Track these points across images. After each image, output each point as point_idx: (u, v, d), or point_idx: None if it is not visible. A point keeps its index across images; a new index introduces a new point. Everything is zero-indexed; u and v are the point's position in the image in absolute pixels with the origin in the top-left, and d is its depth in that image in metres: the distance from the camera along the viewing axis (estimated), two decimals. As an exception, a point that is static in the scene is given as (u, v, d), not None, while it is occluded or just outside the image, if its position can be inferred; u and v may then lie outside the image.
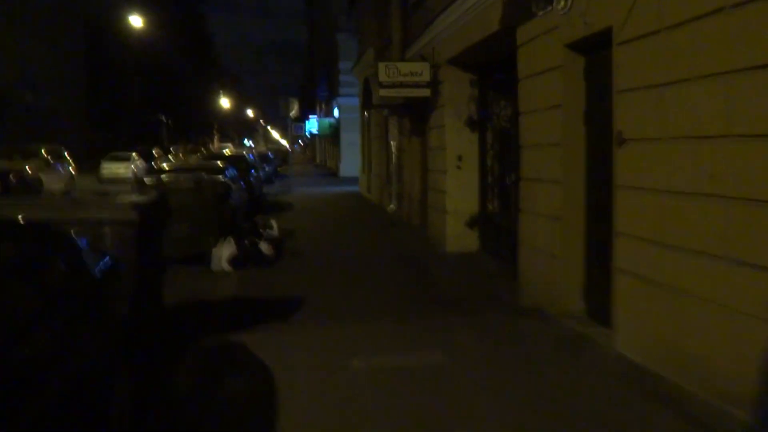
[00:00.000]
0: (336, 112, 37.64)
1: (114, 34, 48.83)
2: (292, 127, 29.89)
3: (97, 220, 5.12)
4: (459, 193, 10.65)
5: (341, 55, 34.06)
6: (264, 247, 10.20)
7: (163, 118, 57.71)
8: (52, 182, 21.91)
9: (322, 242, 12.32)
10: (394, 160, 14.15)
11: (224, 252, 9.83)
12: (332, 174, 37.75)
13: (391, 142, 14.02)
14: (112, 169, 31.27)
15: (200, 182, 9.86)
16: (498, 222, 10.05)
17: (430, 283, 8.78)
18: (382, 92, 10.64)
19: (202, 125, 72.91)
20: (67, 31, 46.90)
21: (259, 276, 9.40)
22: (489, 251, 10.47)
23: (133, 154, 34.52)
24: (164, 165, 15.41)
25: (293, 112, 25.24)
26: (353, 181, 28.68)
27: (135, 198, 5.76)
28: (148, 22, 48.89)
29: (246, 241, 10.17)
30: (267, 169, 30.75)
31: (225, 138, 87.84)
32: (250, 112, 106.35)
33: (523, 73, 7.03)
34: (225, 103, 72.94)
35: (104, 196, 5.61)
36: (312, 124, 47.57)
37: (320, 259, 10.61)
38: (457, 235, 10.69)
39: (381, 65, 10.67)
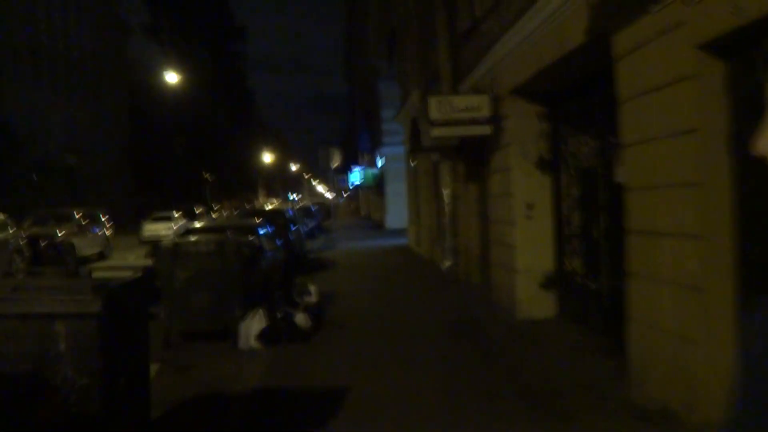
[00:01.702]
0: (380, 162, 36.36)
1: (156, 95, 49.05)
2: (335, 179, 28.56)
3: (42, 314, 3.56)
4: (530, 247, 8.89)
5: (383, 103, 32.93)
6: (300, 318, 8.56)
7: (207, 176, 57.49)
8: (85, 247, 20.93)
9: (368, 308, 10.62)
10: (447, 210, 12.48)
11: (253, 327, 8.23)
12: (378, 226, 36.26)
13: (444, 191, 12.40)
14: (153, 230, 30.42)
15: (223, 244, 8.34)
16: (582, 283, 8.23)
17: (504, 365, 6.96)
18: (435, 132, 9.06)
19: (246, 181, 72.81)
20: (111, 94, 47.39)
21: (292, 356, 7.74)
22: (570, 318, 8.63)
23: (175, 213, 33.80)
24: (196, 224, 14.08)
25: (335, 163, 23.87)
26: (400, 233, 27.07)
27: (110, 275, 4.17)
28: (189, 80, 49.05)
29: (278, 313, 8.55)
30: (310, 223, 29.47)
31: (270, 193, 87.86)
32: (293, 167, 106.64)
33: (626, 93, 5.34)
34: (267, 158, 72.80)
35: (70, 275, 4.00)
36: (355, 176, 46.44)
37: (366, 331, 8.91)
38: (530, 298, 8.89)
39: (432, 100, 9.10)
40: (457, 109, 9.03)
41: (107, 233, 23.45)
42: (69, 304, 3.54)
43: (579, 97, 7.99)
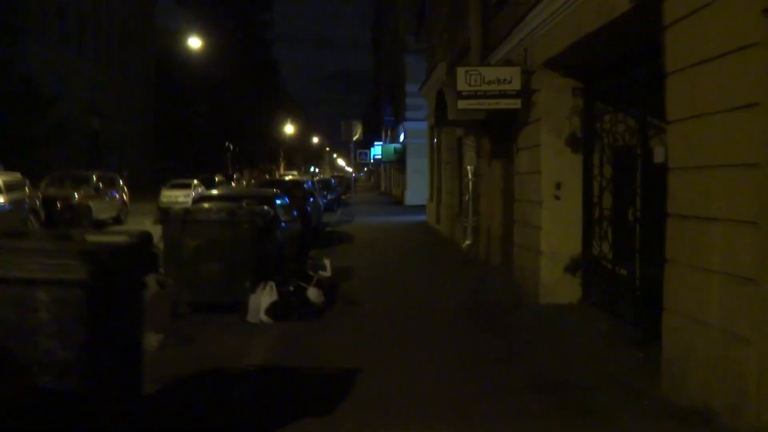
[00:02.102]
0: (402, 137, 35.85)
1: (181, 63, 48.75)
2: (356, 153, 28.13)
3: (21, 280, 3.21)
4: (556, 229, 8.42)
5: (408, 77, 32.32)
6: (312, 294, 8.21)
7: (228, 145, 57.26)
8: (101, 210, 20.76)
9: (383, 285, 10.25)
10: (470, 187, 12.01)
11: (263, 300, 7.89)
12: (397, 202, 35.84)
13: (468, 167, 11.92)
14: (172, 196, 30.29)
15: (234, 213, 7.97)
16: (611, 269, 7.77)
17: (527, 354, 6.54)
18: (461, 104, 8.56)
19: (268, 152, 72.53)
20: (138, 59, 47.19)
21: (302, 332, 7.40)
22: (596, 304, 8.18)
23: (195, 181, 33.67)
24: (213, 191, 13.77)
25: (357, 136, 23.42)
26: (419, 210, 26.62)
27: (104, 239, 3.80)
28: (214, 48, 48.67)
29: (291, 287, 8.21)
30: (329, 196, 29.14)
31: (291, 165, 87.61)
32: (315, 140, 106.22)
33: (675, 64, 4.84)
34: (290, 129, 72.43)
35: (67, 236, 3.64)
36: (376, 150, 45.95)
37: (379, 310, 8.53)
38: (554, 282, 8.44)
39: (460, 70, 8.59)
40: (486, 81, 8.52)
41: (124, 198, 23.25)
42: (52, 270, 3.18)
43: (617, 71, 7.46)
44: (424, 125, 27.52)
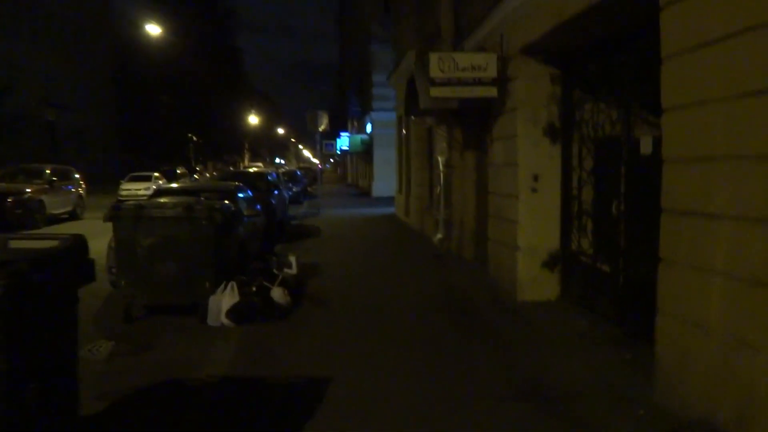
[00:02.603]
0: (369, 128, 35.34)
1: (141, 51, 47.42)
2: (321, 144, 27.56)
3: None
4: (534, 223, 8.05)
5: (375, 67, 31.83)
6: (277, 294, 7.70)
7: (191, 136, 56.04)
8: (55, 205, 19.88)
9: (353, 283, 9.77)
10: (441, 179, 11.59)
11: (223, 303, 7.36)
12: (365, 194, 35.37)
13: (438, 158, 11.49)
14: (132, 189, 29.40)
15: (192, 208, 7.41)
16: (591, 265, 7.42)
17: (506, 355, 6.14)
18: (434, 91, 8.11)
19: (232, 144, 71.28)
20: (95, 48, 45.70)
21: (267, 336, 6.90)
22: (575, 301, 7.84)
23: (155, 173, 32.78)
24: (173, 185, 13.12)
25: (323, 127, 22.84)
26: (387, 201, 26.23)
27: (30, 245, 3.26)
28: (175, 36, 47.47)
29: (254, 287, 7.69)
30: (294, 189, 28.54)
31: (256, 157, 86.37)
32: (280, 131, 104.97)
33: (674, 47, 4.44)
34: (254, 120, 71.26)
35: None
36: (343, 141, 45.36)
37: (349, 310, 8.06)
38: (531, 278, 8.08)
39: (433, 56, 8.13)
40: (460, 68, 8.09)
41: (80, 192, 22.33)
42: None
43: (599, 56, 7.09)
44: (391, 116, 27.06)
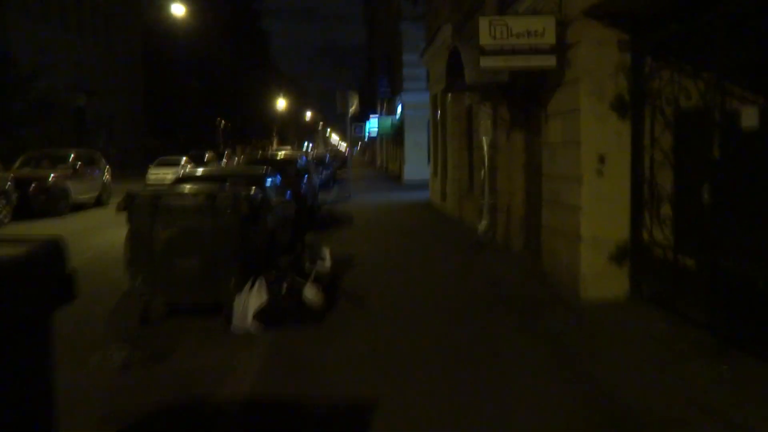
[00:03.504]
0: (399, 110, 34.32)
1: (169, 36, 46.88)
2: (351, 127, 26.67)
3: None
4: (600, 210, 7.08)
5: (405, 47, 30.74)
6: (310, 292, 6.85)
7: (220, 121, 55.60)
8: (80, 191, 19.33)
9: (392, 277, 8.90)
10: (486, 162, 10.62)
11: (250, 303, 6.55)
12: (395, 178, 34.47)
13: (483, 138, 10.52)
14: (159, 174, 28.88)
15: (215, 197, 6.59)
16: (671, 259, 6.44)
17: (580, 369, 5.21)
18: (485, 62, 7.14)
19: (260, 128, 70.81)
20: (124, 34, 45.27)
21: (300, 342, 6.07)
22: (647, 300, 6.88)
23: (183, 158, 32.25)
24: (197, 170, 12.34)
25: (353, 108, 21.92)
26: (419, 186, 25.28)
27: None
28: (203, 21, 46.91)
29: (285, 285, 6.85)
30: (324, 173, 27.76)
31: (284, 141, 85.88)
32: (308, 114, 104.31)
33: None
34: (282, 104, 70.59)
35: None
36: (372, 124, 44.40)
37: (390, 309, 7.18)
38: (597, 273, 7.12)
39: (483, 21, 7.15)
40: (514, 34, 7.11)
41: (107, 177, 21.77)
42: None
43: (681, 17, 6.06)
44: (423, 96, 26.04)
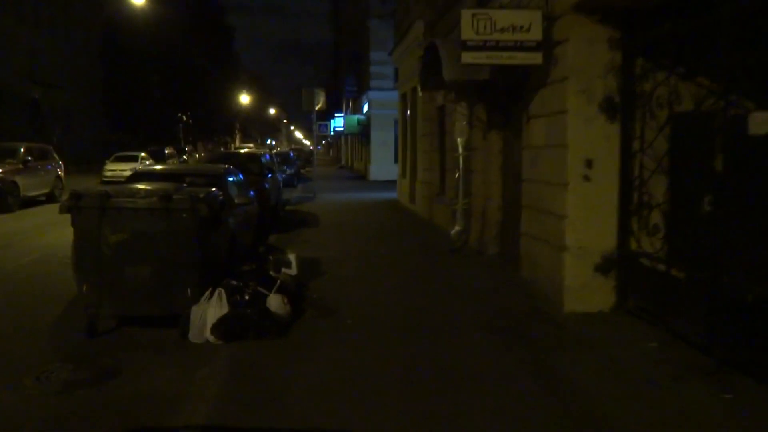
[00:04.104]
0: (365, 108, 33.81)
1: (131, 28, 45.50)
2: (316, 124, 26.06)
3: None
4: (586, 218, 6.67)
5: (373, 44, 30.25)
6: (275, 302, 6.29)
7: (181, 116, 54.32)
8: (31, 187, 18.43)
9: (362, 284, 8.38)
10: (460, 164, 10.17)
11: (208, 315, 5.97)
12: (360, 177, 33.95)
13: (458, 139, 10.06)
14: (116, 171, 27.84)
15: (170, 198, 5.98)
16: (662, 270, 6.05)
17: (568, 394, 4.76)
18: (467, 57, 6.66)
19: (223, 124, 69.52)
20: (83, 25, 43.76)
21: (263, 359, 5.51)
22: (633, 313, 6.50)
23: (142, 153, 31.24)
24: (157, 167, 11.64)
25: (319, 105, 21.33)
26: (386, 186, 24.82)
27: None
28: (165, 12, 45.66)
29: (246, 294, 6.28)
30: (288, 171, 27.08)
31: (247, 138, 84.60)
32: (272, 111, 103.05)
33: None
34: (245, 99, 69.38)
35: None
36: (338, 122, 43.81)
37: (361, 320, 6.64)
38: (581, 285, 6.71)
39: (465, 14, 6.65)
40: (498, 29, 6.65)
41: (59, 172, 20.78)
42: None
43: (678, 16, 5.67)
44: (390, 95, 25.61)
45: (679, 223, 5.86)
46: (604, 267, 6.69)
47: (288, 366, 5.35)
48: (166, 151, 36.11)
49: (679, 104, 5.84)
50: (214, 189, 7.18)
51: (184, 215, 6.02)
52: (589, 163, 6.60)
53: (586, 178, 6.62)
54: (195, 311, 5.99)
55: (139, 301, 6.12)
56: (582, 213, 6.66)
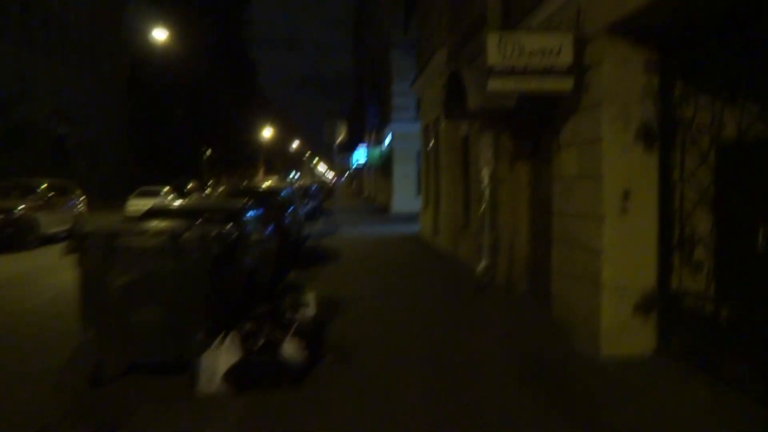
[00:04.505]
0: (388, 140, 33.58)
1: (156, 63, 46.11)
2: (338, 158, 25.84)
3: None
4: (624, 254, 6.19)
5: (395, 75, 30.11)
6: (290, 348, 5.87)
7: (204, 149, 54.61)
8: (51, 224, 18.24)
9: (383, 326, 7.92)
10: (486, 196, 9.74)
11: (220, 362, 5.57)
12: (383, 210, 33.55)
13: (484, 169, 9.65)
14: (140, 206, 27.76)
15: (178, 236, 5.64)
16: (709, 311, 5.55)
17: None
18: (494, 84, 6.29)
19: (246, 158, 69.83)
20: (108, 61, 44.51)
21: (279, 413, 5.09)
22: (678, 357, 5.98)
23: (165, 188, 31.27)
24: (174, 204, 11.37)
25: (341, 137, 21.09)
26: (408, 219, 24.40)
27: None
28: (190, 47, 46.22)
29: (260, 339, 5.88)
30: (310, 204, 26.81)
31: (270, 171, 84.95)
32: (295, 144, 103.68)
33: None
34: (268, 133, 69.71)
35: None
36: (360, 154, 43.66)
37: (385, 369, 6.17)
38: (620, 326, 6.21)
39: (492, 38, 6.30)
40: (527, 52, 6.28)
41: (81, 208, 20.69)
42: None
43: (721, 32, 5.26)
44: (412, 126, 25.33)
45: (729, 260, 5.37)
46: (644, 306, 6.20)
47: (306, 420, 4.92)
48: (189, 186, 36.16)
49: (724, 131, 5.40)
50: (229, 225, 6.83)
51: (195, 255, 5.66)
52: (626, 195, 6.15)
53: (623, 210, 6.16)
54: (206, 358, 5.60)
55: (146, 346, 5.75)
56: (619, 248, 6.18)
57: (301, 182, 51.61)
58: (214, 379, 5.53)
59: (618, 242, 6.19)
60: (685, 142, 5.94)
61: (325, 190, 42.84)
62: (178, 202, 11.48)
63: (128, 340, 5.75)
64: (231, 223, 7.51)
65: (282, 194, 15.43)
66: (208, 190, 40.06)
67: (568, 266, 7.08)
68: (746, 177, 5.09)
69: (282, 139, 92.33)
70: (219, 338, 5.70)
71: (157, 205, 9.30)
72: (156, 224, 6.46)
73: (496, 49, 6.23)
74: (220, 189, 41.25)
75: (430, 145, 17.02)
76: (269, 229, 10.29)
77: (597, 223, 6.29)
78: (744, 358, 5.11)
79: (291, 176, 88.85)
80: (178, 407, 5.24)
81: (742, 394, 5.08)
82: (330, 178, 65.60)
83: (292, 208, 15.11)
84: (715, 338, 5.50)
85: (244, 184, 40.35)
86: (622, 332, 6.21)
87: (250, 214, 9.42)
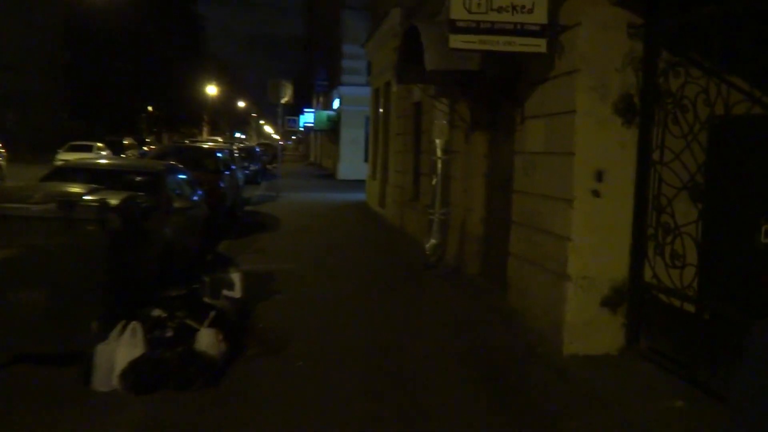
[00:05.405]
0: (336, 104, 32.45)
1: (95, 12, 43.50)
2: (283, 119, 24.67)
3: None
4: (593, 242, 5.49)
5: (346, 37, 28.89)
6: (205, 340, 4.97)
7: (146, 106, 52.28)
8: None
9: (321, 308, 7.08)
10: (439, 168, 8.94)
11: (119, 356, 4.63)
12: (329, 175, 32.57)
13: (437, 141, 8.83)
14: (69, 160, 26.08)
15: (71, 206, 4.64)
16: (694, 310, 4.90)
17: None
18: (455, 42, 5.41)
19: (190, 115, 67.34)
20: (46, 8, 41.55)
21: (186, 421, 4.21)
22: (646, 356, 5.35)
23: (98, 143, 29.62)
24: (86, 162, 10.15)
25: (286, 98, 19.96)
26: (354, 186, 23.52)
27: None
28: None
29: (170, 330, 4.96)
30: (252, 167, 25.63)
31: (215, 130, 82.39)
32: (241, 104, 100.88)
33: None
34: (213, 90, 67.27)
35: None
36: (307, 118, 42.36)
37: (316, 363, 5.33)
38: (586, 321, 5.53)
39: (456, -12, 5.43)
40: (495, 8, 5.42)
41: (1, 161, 19.14)
42: None
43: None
44: (362, 91, 24.33)
45: (718, 254, 4.70)
46: (612, 300, 5.52)
47: (217, 426, 4.07)
48: (125, 142, 34.37)
49: (718, 106, 4.69)
50: (131, 195, 5.79)
51: (90, 227, 4.68)
52: (599, 176, 5.42)
53: (596, 193, 5.44)
54: (101, 351, 4.65)
55: (29, 334, 4.77)
56: (589, 235, 5.47)
57: (248, 143, 49.94)
58: (111, 376, 4.61)
59: (587, 228, 5.48)
60: (667, 119, 5.23)
61: (270, 152, 41.43)
62: (98, 161, 10.32)
63: (8, 327, 4.75)
64: (147, 188, 6.50)
65: (218, 155, 14.32)
66: (146, 148, 38.23)
67: (529, 251, 6.35)
68: (744, 159, 4.39)
69: (229, 99, 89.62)
70: (119, 327, 4.76)
71: (65, 164, 8.17)
72: (51, 187, 5.41)
73: (460, 1, 5.34)
74: (153, 147, 39.41)
75: (380, 111, 16.09)
76: (198, 193, 9.27)
77: (564, 206, 5.56)
78: (723, 363, 4.47)
79: (237, 136, 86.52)
80: (65, 409, 4.32)
81: (717, 402, 4.46)
82: (276, 140, 63.62)
83: (228, 171, 14.04)
84: (691, 339, 4.86)
85: (186, 142, 38.66)
86: (587, 327, 5.54)
87: (175, 176, 8.40)
